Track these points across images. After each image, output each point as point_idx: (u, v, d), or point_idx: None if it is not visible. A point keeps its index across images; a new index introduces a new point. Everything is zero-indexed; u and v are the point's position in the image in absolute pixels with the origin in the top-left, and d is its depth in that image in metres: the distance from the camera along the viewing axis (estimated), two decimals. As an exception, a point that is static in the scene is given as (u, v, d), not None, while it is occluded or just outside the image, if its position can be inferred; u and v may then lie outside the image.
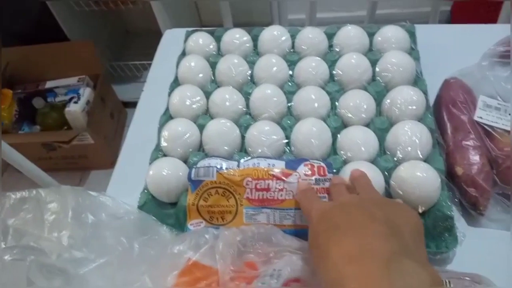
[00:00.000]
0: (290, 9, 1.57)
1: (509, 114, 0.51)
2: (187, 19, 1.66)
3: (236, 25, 1.33)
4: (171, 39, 0.72)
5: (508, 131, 0.49)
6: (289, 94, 0.54)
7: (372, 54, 0.56)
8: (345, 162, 0.47)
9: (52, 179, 1.18)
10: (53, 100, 1.46)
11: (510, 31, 0.57)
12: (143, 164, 0.51)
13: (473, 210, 0.46)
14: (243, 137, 0.51)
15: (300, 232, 0.44)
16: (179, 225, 0.47)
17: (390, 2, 1.45)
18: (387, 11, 1.52)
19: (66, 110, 1.36)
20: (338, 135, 0.49)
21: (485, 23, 0.70)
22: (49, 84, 1.47)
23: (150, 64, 0.70)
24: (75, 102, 1.37)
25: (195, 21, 1.74)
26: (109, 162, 1.49)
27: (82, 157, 1.49)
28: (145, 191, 0.48)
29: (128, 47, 1.75)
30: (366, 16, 1.07)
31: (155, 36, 1.37)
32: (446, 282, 0.37)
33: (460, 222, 0.47)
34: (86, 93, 1.41)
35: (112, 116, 1.56)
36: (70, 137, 1.34)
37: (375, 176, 0.44)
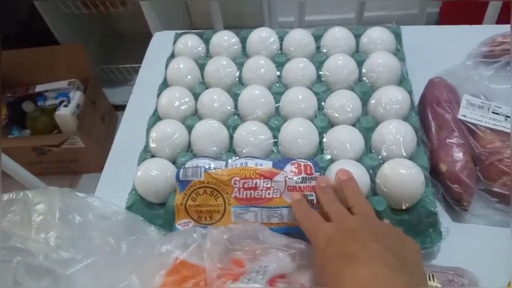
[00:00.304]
0: (280, 11, 1.58)
1: (493, 113, 0.52)
2: (177, 21, 1.67)
3: (227, 27, 1.34)
4: (160, 41, 0.72)
5: (490, 129, 0.50)
6: (277, 95, 0.54)
7: (359, 55, 0.57)
8: (331, 161, 0.47)
9: (43, 183, 1.17)
10: (43, 104, 1.46)
11: (511, 28, 0.58)
12: (131, 165, 0.51)
13: (457, 206, 0.47)
14: (231, 138, 0.51)
15: (287, 230, 0.44)
16: (168, 225, 0.47)
17: (378, 4, 1.47)
18: (376, 13, 1.54)
19: (56, 114, 1.35)
20: (325, 135, 0.50)
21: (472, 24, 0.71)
22: (39, 88, 1.46)
23: (140, 67, 0.70)
24: (65, 106, 1.37)
25: (185, 24, 1.74)
26: (100, 165, 1.46)
27: (73, 161, 1.48)
28: (133, 191, 0.48)
29: (119, 50, 1.74)
30: (355, 18, 1.08)
31: (146, 39, 1.37)
32: (430, 276, 0.38)
33: (444, 218, 0.48)
34: (76, 96, 1.41)
35: (103, 120, 1.55)
36: (60, 141, 1.34)
37: (361, 174, 0.45)
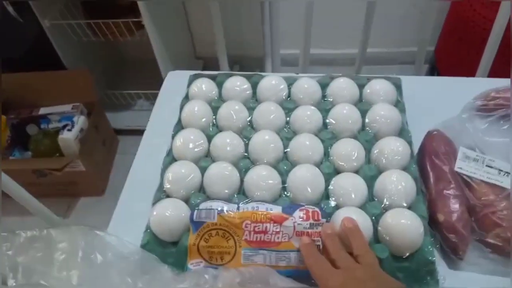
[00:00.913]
0: (282, 44, 1.64)
1: (487, 166, 0.56)
2: (182, 51, 1.71)
3: (230, 57, 1.38)
4: (173, 81, 0.76)
5: (484, 182, 0.53)
6: (286, 140, 0.58)
7: (362, 105, 0.61)
8: (336, 207, 0.50)
9: (41, 205, 1.18)
10: (46, 126, 1.47)
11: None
12: (144, 202, 0.54)
13: (453, 254, 0.50)
14: (241, 180, 0.54)
15: (294, 273, 0.47)
16: (179, 264, 0.49)
17: (379, 41, 1.53)
18: (377, 50, 1.60)
19: (59, 138, 1.37)
20: (331, 181, 0.53)
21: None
22: (43, 111, 1.49)
23: (144, 93, 0.73)
24: (69, 130, 1.39)
25: (190, 54, 1.79)
26: (99, 189, 1.50)
27: (72, 183, 1.49)
28: (148, 230, 0.51)
29: (123, 76, 1.78)
30: (358, 54, 1.13)
31: (150, 66, 1.42)
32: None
33: (441, 266, 0.50)
34: (80, 121, 1.43)
35: (104, 143, 1.57)
36: (62, 165, 1.35)
37: (364, 221, 0.48)
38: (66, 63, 1.50)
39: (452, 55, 1.57)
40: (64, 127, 1.41)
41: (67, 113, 1.47)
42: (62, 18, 1.39)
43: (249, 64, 1.70)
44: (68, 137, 1.37)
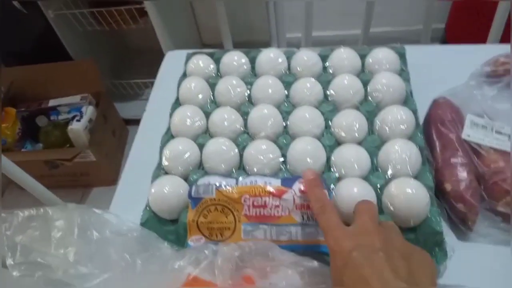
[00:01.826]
0: (287, 28, 1.62)
1: (497, 133, 0.53)
2: (188, 38, 1.70)
3: (236, 44, 1.37)
4: (173, 60, 0.75)
5: (494, 148, 0.51)
6: (285, 114, 0.56)
7: (364, 75, 0.59)
8: (338, 179, 0.49)
9: (54, 196, 1.20)
10: (56, 118, 1.49)
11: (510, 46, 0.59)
12: (144, 182, 0.53)
13: (462, 225, 0.48)
14: (241, 156, 0.53)
15: (296, 247, 0.46)
16: (180, 241, 0.49)
17: (384, 21, 1.49)
18: (381, 29, 1.56)
19: (69, 129, 1.39)
20: (332, 153, 0.51)
21: (478, 41, 0.73)
22: (52, 103, 1.50)
23: (151, 82, 0.72)
24: (78, 120, 1.40)
25: (196, 40, 1.78)
26: (111, 179, 1.51)
27: (84, 174, 1.51)
28: (147, 208, 0.50)
29: (130, 65, 1.78)
30: (361, 35, 1.10)
31: (156, 55, 1.41)
32: (435, 294, 0.39)
33: (450, 237, 0.48)
34: (89, 111, 1.44)
35: (114, 134, 1.58)
36: (72, 155, 1.37)
37: (367, 192, 0.46)
38: (72, 54, 1.51)
39: (464, 29, 1.52)
40: (73, 118, 1.42)
41: (75, 104, 1.48)
42: (66, 8, 1.39)
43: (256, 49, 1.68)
44: (77, 128, 1.38)
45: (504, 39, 0.97)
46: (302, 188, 0.46)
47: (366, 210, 0.39)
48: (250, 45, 0.65)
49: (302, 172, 0.45)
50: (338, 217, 0.39)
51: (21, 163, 1.08)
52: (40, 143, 1.49)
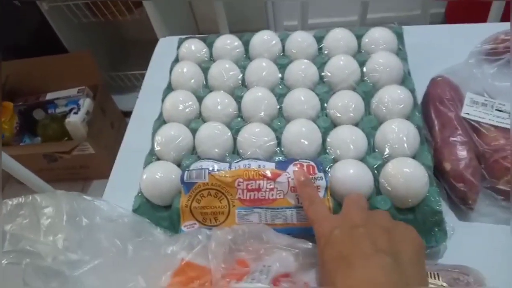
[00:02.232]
0: (285, 15, 1.60)
1: (497, 110, 0.52)
2: (184, 28, 1.68)
3: (233, 32, 1.35)
4: (165, 47, 0.73)
5: (494, 126, 0.50)
6: (280, 97, 0.55)
7: (361, 56, 0.57)
8: (334, 160, 0.48)
9: (53, 189, 1.19)
10: (53, 111, 1.48)
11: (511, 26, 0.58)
12: (138, 169, 0.52)
13: (462, 204, 0.47)
14: (235, 140, 0.52)
15: (291, 230, 0.45)
16: (173, 227, 0.48)
17: (382, 6, 1.47)
18: (380, 15, 1.54)
19: (66, 121, 1.38)
20: (328, 135, 0.50)
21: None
22: (49, 96, 1.49)
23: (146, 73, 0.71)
24: (75, 113, 1.39)
25: (192, 30, 1.76)
26: (110, 171, 1.50)
27: (83, 167, 1.50)
28: (139, 194, 0.49)
29: (127, 57, 1.77)
30: (358, 20, 1.08)
31: (153, 46, 1.39)
32: (435, 274, 0.38)
33: (450, 217, 0.47)
34: (86, 103, 1.43)
35: (112, 126, 1.57)
36: (70, 147, 1.36)
37: (364, 174, 0.45)
38: (68, 47, 1.50)
39: (464, 13, 1.50)
40: (70, 110, 1.42)
41: (73, 97, 1.47)
42: (60, 0, 1.37)
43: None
44: (74, 120, 1.37)
45: (504, 19, 0.95)
46: (297, 170, 0.45)
47: (353, 201, 0.39)
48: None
49: (294, 172, 0.44)
50: (327, 209, 0.41)
51: (20, 157, 1.08)
52: (38, 136, 1.49)
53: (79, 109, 1.41)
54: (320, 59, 0.58)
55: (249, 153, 0.50)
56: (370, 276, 0.30)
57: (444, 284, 0.39)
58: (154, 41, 1.35)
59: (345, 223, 0.36)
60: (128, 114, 1.70)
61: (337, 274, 0.32)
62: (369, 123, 0.50)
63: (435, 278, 0.39)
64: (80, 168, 1.51)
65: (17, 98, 1.50)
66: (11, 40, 1.51)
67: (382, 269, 0.31)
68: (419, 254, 0.34)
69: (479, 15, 1.12)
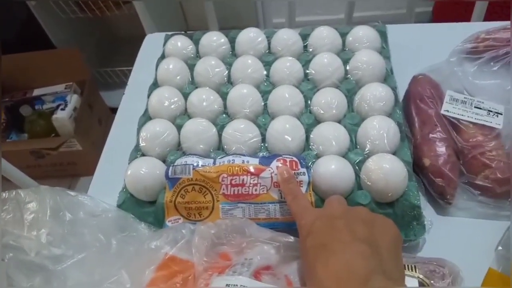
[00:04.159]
0: (274, 13, 1.60)
1: (476, 108, 0.53)
2: (173, 24, 1.68)
3: (222, 29, 1.35)
4: (152, 43, 0.73)
5: (473, 123, 0.51)
6: (265, 94, 0.56)
7: (345, 54, 0.58)
8: (317, 156, 0.48)
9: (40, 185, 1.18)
10: (40, 107, 1.47)
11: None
12: (123, 165, 0.52)
13: (441, 199, 0.48)
14: (220, 136, 0.52)
15: (275, 225, 0.45)
16: (158, 222, 0.48)
17: (369, 5, 1.48)
18: (367, 14, 1.55)
19: (53, 117, 1.37)
20: (311, 132, 0.51)
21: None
22: (36, 92, 1.48)
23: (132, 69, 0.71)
24: (62, 109, 1.38)
25: (181, 27, 1.76)
26: (98, 168, 1.50)
27: (71, 163, 1.49)
28: (124, 190, 0.49)
29: (115, 53, 1.76)
30: (344, 19, 1.09)
31: (142, 42, 1.39)
32: (412, 267, 0.39)
33: (429, 212, 0.49)
34: (73, 100, 1.42)
35: (100, 122, 1.57)
36: (57, 144, 1.35)
37: (345, 169, 0.46)
38: (56, 42, 1.49)
39: (451, 12, 1.52)
40: (57, 107, 1.41)
41: (60, 93, 1.46)
42: (47, -5, 1.36)
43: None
44: (62, 117, 1.36)
45: (487, 18, 0.96)
46: (280, 166, 0.46)
47: (334, 198, 0.41)
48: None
49: (277, 168, 0.45)
50: (309, 203, 0.42)
51: (7, 154, 1.07)
52: (25, 133, 1.47)
53: (66, 105, 1.40)
54: (305, 57, 0.59)
55: (233, 149, 0.50)
56: (348, 262, 0.32)
57: (421, 276, 0.40)
58: (143, 37, 1.35)
59: (326, 215, 0.37)
60: (116, 110, 1.70)
61: (317, 262, 0.33)
62: (352, 120, 0.51)
63: (412, 270, 0.40)
64: (68, 164, 1.50)
65: (4, 94, 1.48)
66: (-3, 35, 1.49)
67: (360, 255, 0.32)
68: (396, 244, 0.35)
69: (466, 14, 1.14)
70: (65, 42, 1.51)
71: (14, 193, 0.43)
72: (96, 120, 1.54)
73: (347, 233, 0.34)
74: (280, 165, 0.46)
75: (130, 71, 1.71)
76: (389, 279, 0.31)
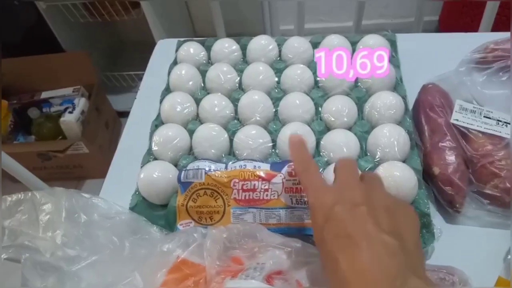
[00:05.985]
0: (281, 19, 1.61)
1: (485, 117, 0.54)
2: (181, 29, 1.69)
3: (229, 35, 1.36)
4: (164, 49, 0.74)
5: (482, 132, 0.51)
6: (276, 100, 0.56)
7: (355, 62, 0.59)
8: (327, 163, 0.49)
9: (48, 187, 1.19)
10: (48, 110, 1.48)
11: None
12: (135, 168, 0.53)
13: (450, 208, 0.48)
14: (231, 141, 0.53)
15: (284, 230, 0.46)
16: (170, 225, 0.49)
17: (376, 12, 1.49)
18: (374, 22, 1.56)
19: (61, 120, 1.38)
20: (322, 138, 0.51)
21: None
22: (44, 95, 1.49)
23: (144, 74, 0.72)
24: (70, 112, 1.39)
25: (189, 32, 1.77)
26: (104, 171, 1.50)
27: (77, 166, 1.50)
28: (137, 193, 0.50)
29: (123, 58, 1.77)
30: (353, 26, 1.10)
31: (149, 47, 1.41)
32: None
33: (438, 220, 0.49)
34: (81, 103, 1.43)
35: (107, 126, 1.58)
36: (64, 147, 1.36)
37: (356, 176, 0.46)
38: (65, 46, 1.50)
39: (457, 22, 1.53)
40: (65, 110, 1.42)
41: (68, 96, 1.47)
42: (57, -1, 1.37)
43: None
44: (69, 120, 1.37)
45: (494, 29, 0.97)
46: (292, 172, 0.46)
47: (346, 166, 0.38)
48: (243, 36, 0.65)
49: (289, 136, 0.42)
50: (321, 176, 0.38)
51: (14, 156, 1.07)
52: (32, 135, 1.48)
53: (74, 108, 1.41)
54: (315, 65, 0.59)
55: (245, 154, 0.51)
56: (377, 257, 0.30)
57: (431, 283, 0.40)
58: (151, 42, 1.36)
59: (345, 199, 0.34)
60: (123, 114, 1.72)
61: (341, 254, 0.31)
62: (362, 127, 0.52)
63: (422, 278, 0.40)
64: (74, 167, 1.51)
65: (12, 97, 1.50)
66: (7, 38, 1.51)
67: (386, 249, 0.30)
68: (418, 233, 0.34)
69: (471, 23, 1.15)
70: (74, 46, 1.52)
71: (30, 194, 0.43)
72: (103, 124, 1.55)
73: (371, 223, 0.31)
74: (291, 170, 0.46)
75: (137, 75, 1.73)
76: (420, 278, 0.29)
